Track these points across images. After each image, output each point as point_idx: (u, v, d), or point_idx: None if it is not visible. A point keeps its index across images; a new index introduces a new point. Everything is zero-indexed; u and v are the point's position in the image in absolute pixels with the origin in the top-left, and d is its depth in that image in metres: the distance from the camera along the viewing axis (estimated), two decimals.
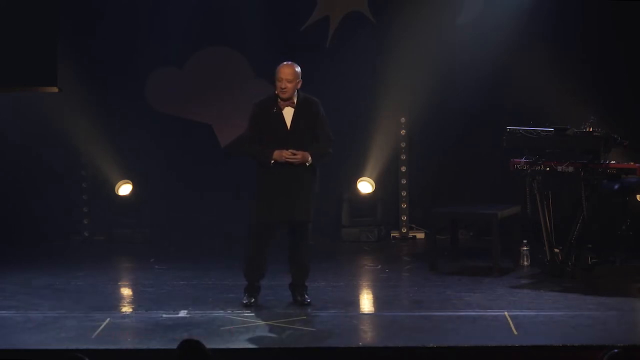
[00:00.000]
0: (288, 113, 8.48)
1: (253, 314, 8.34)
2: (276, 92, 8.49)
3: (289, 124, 8.47)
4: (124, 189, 12.13)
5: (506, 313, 8.24)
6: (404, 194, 12.14)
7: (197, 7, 11.92)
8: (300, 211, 8.47)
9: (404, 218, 12.10)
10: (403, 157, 12.17)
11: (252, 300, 8.61)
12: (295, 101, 8.47)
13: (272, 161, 8.39)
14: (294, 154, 8.37)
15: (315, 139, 8.54)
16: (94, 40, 11.85)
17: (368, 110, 11.95)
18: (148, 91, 12.23)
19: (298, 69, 8.47)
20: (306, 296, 8.65)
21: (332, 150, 8.64)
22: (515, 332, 7.73)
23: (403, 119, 12.11)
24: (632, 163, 9.63)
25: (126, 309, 8.83)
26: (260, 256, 8.59)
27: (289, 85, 8.41)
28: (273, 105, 8.49)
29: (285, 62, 8.51)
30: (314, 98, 8.61)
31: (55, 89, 10.75)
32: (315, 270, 9.10)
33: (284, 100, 8.46)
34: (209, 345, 6.26)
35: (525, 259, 10.17)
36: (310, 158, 8.41)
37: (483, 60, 11.55)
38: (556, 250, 9.65)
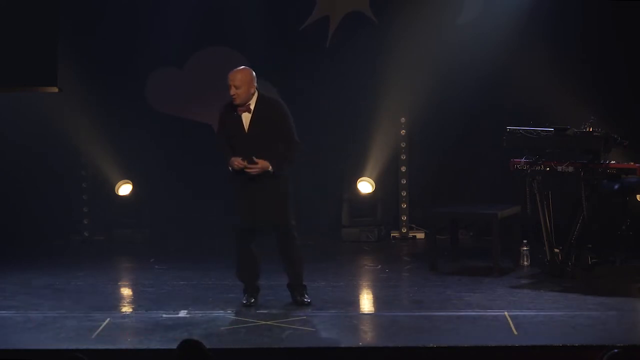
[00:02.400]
0: (246, 118, 8.41)
1: (253, 314, 8.34)
2: None
3: (246, 129, 8.40)
4: (124, 189, 12.13)
5: (506, 313, 8.24)
6: (404, 194, 12.13)
7: (197, 7, 11.92)
8: (274, 215, 8.40)
9: (404, 218, 12.10)
10: (403, 157, 12.16)
11: (252, 300, 8.60)
12: (252, 106, 8.38)
13: (230, 168, 8.37)
14: (249, 168, 8.26)
15: (281, 141, 8.44)
16: (94, 40, 11.85)
17: (368, 110, 11.93)
18: (148, 91, 12.23)
19: (249, 73, 8.36)
20: (306, 296, 8.63)
21: (299, 153, 8.48)
22: (515, 332, 7.73)
23: (403, 119, 12.10)
24: (632, 163, 9.63)
25: (126, 309, 8.83)
26: (247, 258, 8.57)
27: (238, 92, 8.32)
28: (234, 110, 8.44)
29: (236, 68, 8.43)
30: (274, 100, 8.54)
31: (55, 89, 10.75)
32: (315, 270, 9.10)
33: (237, 105, 8.39)
34: (209, 345, 6.27)
35: (525, 259, 10.16)
36: (271, 167, 8.31)
37: (483, 60, 11.54)
38: (556, 250, 9.65)
